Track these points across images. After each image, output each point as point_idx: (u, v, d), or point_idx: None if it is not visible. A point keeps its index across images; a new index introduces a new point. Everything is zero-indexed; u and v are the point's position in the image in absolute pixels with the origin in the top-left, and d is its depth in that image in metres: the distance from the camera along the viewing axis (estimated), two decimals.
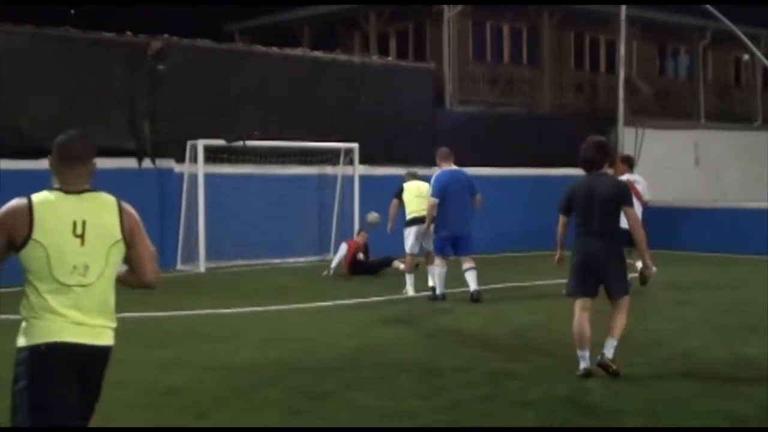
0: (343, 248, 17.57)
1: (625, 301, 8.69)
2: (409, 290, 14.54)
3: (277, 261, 19.73)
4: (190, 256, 18.76)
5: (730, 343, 10.26)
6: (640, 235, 8.69)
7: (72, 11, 32.09)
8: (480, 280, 14.02)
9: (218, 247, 18.91)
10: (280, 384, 8.34)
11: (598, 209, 8.52)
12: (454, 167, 14.11)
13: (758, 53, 27.56)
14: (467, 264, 13.92)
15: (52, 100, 17.34)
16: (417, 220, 14.32)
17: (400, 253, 15.56)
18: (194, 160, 18.78)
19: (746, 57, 32.09)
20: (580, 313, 8.61)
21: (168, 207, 18.85)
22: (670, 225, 23.79)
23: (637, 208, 14.92)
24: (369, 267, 17.49)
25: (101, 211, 4.31)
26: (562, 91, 28.01)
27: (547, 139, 24.70)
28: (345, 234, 19.95)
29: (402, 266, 16.60)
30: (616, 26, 25.83)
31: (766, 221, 21.95)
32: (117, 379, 8.50)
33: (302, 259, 20.08)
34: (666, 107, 30.21)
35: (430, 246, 14.28)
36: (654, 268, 8.65)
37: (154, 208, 18.59)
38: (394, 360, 9.44)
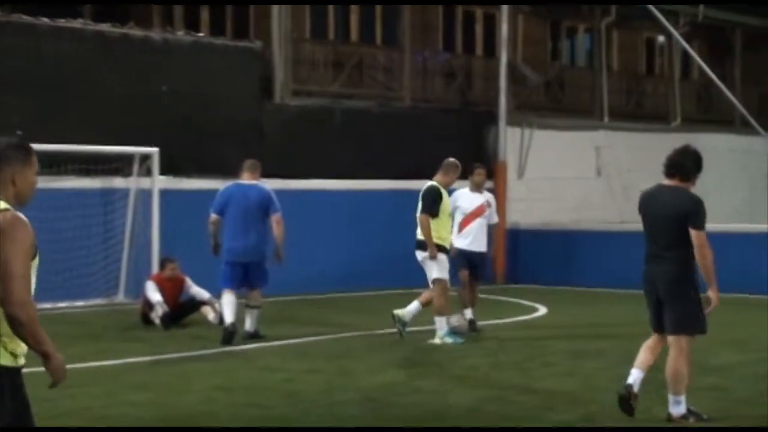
0: (151, 286, 16.99)
1: (681, 342, 9.21)
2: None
3: (47, 306, 19.21)
4: None
5: (641, 403, 10.42)
6: (705, 261, 9.08)
7: None
8: (279, 327, 14.94)
9: None
10: None
11: (659, 227, 9.21)
12: (252, 182, 15.16)
13: (676, 34, 28.39)
14: (253, 301, 15.08)
15: None
16: (439, 247, 15.00)
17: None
18: None
19: (661, 39, 33.13)
20: (644, 350, 9.60)
21: None
22: (564, 253, 24.26)
23: (483, 227, 16.52)
24: (179, 313, 17.11)
25: None
26: (427, 79, 28.32)
27: (408, 142, 24.92)
28: (139, 269, 19.66)
29: (211, 315, 16.55)
30: None
31: None
32: None
33: (80, 304, 19.77)
34: (560, 101, 30.92)
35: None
36: (712, 304, 9.10)
37: None
38: None
